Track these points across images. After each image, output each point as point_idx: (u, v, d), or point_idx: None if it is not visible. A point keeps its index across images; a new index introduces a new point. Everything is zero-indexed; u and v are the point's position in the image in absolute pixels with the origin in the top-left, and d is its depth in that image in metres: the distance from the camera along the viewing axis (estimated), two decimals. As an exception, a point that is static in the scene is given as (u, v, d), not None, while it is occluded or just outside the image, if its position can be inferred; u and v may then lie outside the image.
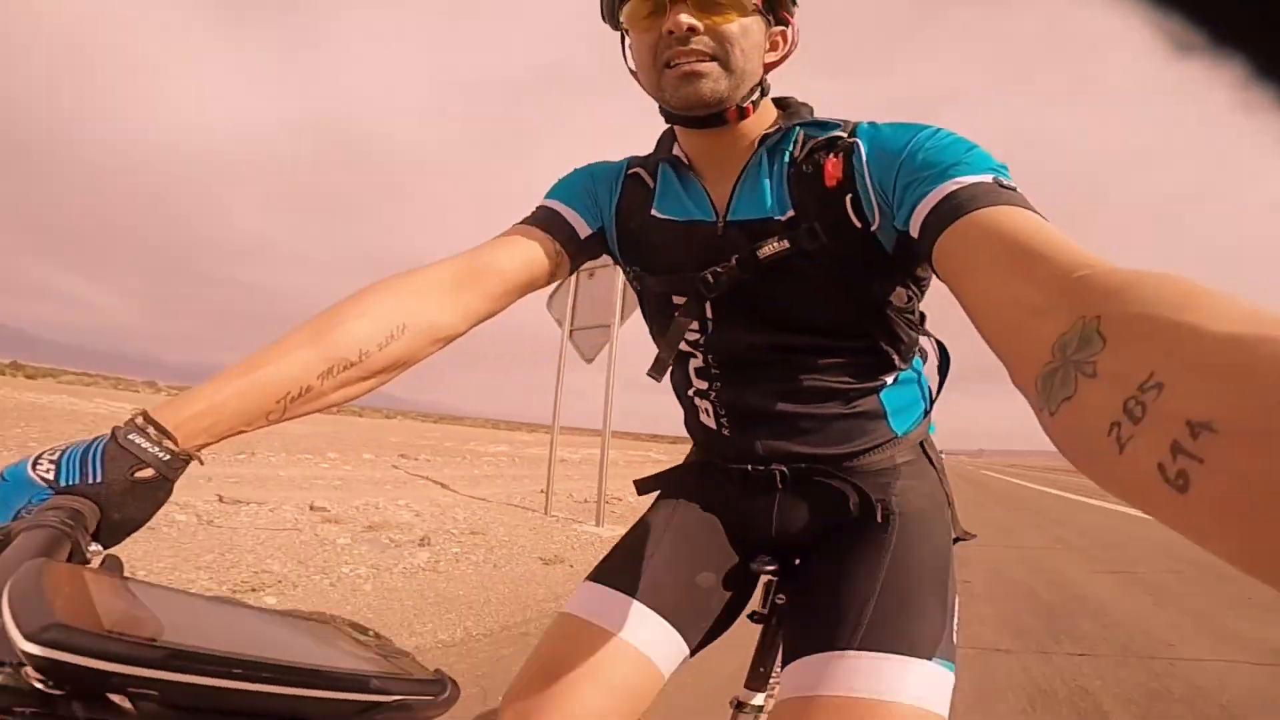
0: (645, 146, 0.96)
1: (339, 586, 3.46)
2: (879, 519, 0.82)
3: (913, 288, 0.82)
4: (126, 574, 0.46)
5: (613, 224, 0.92)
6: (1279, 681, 2.63)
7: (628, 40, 0.83)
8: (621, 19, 0.81)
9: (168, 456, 0.54)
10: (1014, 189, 0.60)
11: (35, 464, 0.52)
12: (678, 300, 0.86)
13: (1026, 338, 0.41)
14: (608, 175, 0.93)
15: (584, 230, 0.90)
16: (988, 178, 0.61)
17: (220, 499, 5.11)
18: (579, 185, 0.93)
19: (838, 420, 0.84)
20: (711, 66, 0.75)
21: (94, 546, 0.49)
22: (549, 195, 0.93)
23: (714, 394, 0.89)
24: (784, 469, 0.86)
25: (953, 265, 0.59)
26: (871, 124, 0.78)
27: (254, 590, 3.16)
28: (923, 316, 0.87)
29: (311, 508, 5.33)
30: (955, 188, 0.62)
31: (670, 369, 0.93)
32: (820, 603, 0.80)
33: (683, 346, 0.89)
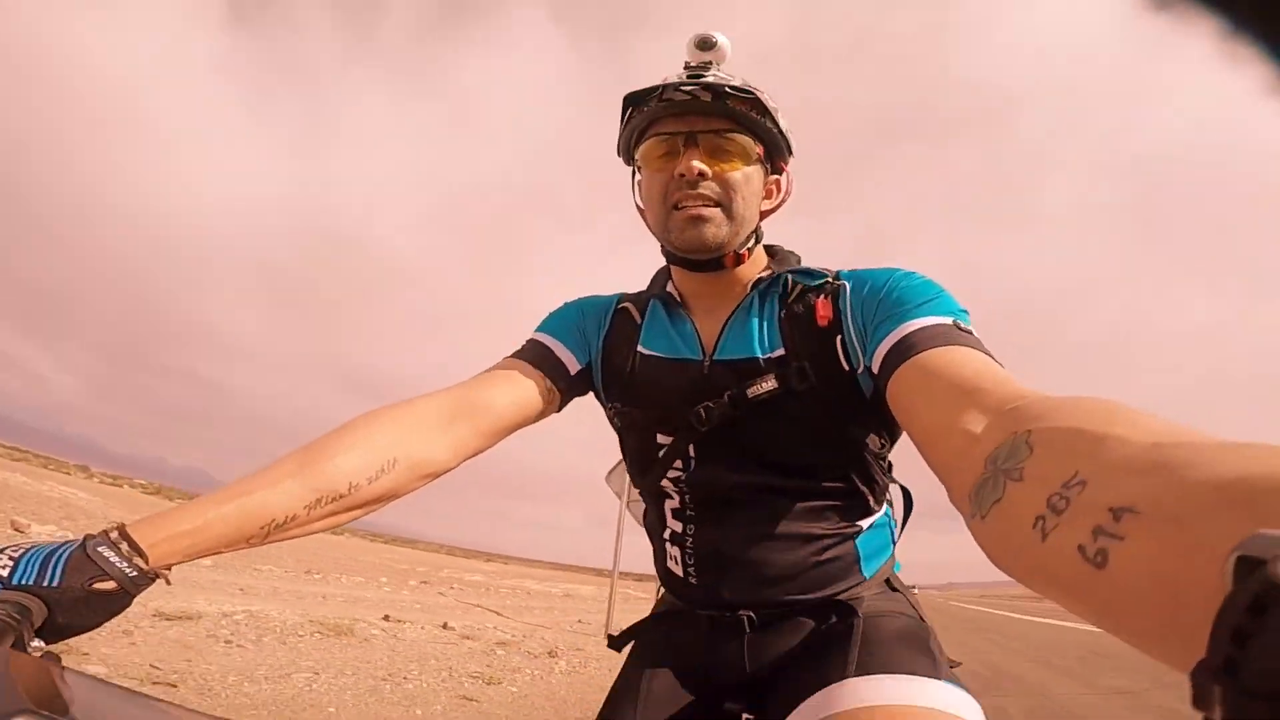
0: (620, 278, 0.83)
1: (539, 681, 4.85)
2: (844, 625, 0.80)
3: (884, 434, 0.84)
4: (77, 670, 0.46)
5: (599, 358, 0.93)
6: (1110, 703, 4.82)
7: (638, 177, 0.88)
8: (636, 156, 0.86)
9: (134, 574, 0.54)
10: (969, 332, 0.65)
11: None
12: (662, 439, 0.86)
13: (964, 460, 0.46)
14: (597, 310, 0.95)
15: (574, 366, 0.91)
16: (947, 320, 0.66)
17: (387, 618, 6.44)
18: (569, 320, 0.95)
19: (811, 568, 0.82)
20: (715, 212, 0.79)
21: (36, 642, 0.49)
22: (540, 328, 0.95)
23: (688, 539, 0.86)
24: (752, 614, 0.83)
25: (903, 401, 0.64)
26: (854, 272, 0.82)
27: (494, 682, 4.77)
28: (890, 465, 0.88)
29: (444, 627, 6.72)
30: (915, 328, 0.67)
31: (645, 508, 0.95)
32: (801, 695, 0.74)
33: (664, 484, 0.88)
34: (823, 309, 0.79)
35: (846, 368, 0.77)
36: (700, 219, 0.79)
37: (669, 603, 0.96)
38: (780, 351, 0.80)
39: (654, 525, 0.94)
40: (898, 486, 0.93)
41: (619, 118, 0.87)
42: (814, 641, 0.82)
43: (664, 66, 0.87)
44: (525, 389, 0.85)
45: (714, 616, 0.86)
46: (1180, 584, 0.24)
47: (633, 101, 0.84)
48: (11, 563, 0.51)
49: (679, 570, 0.88)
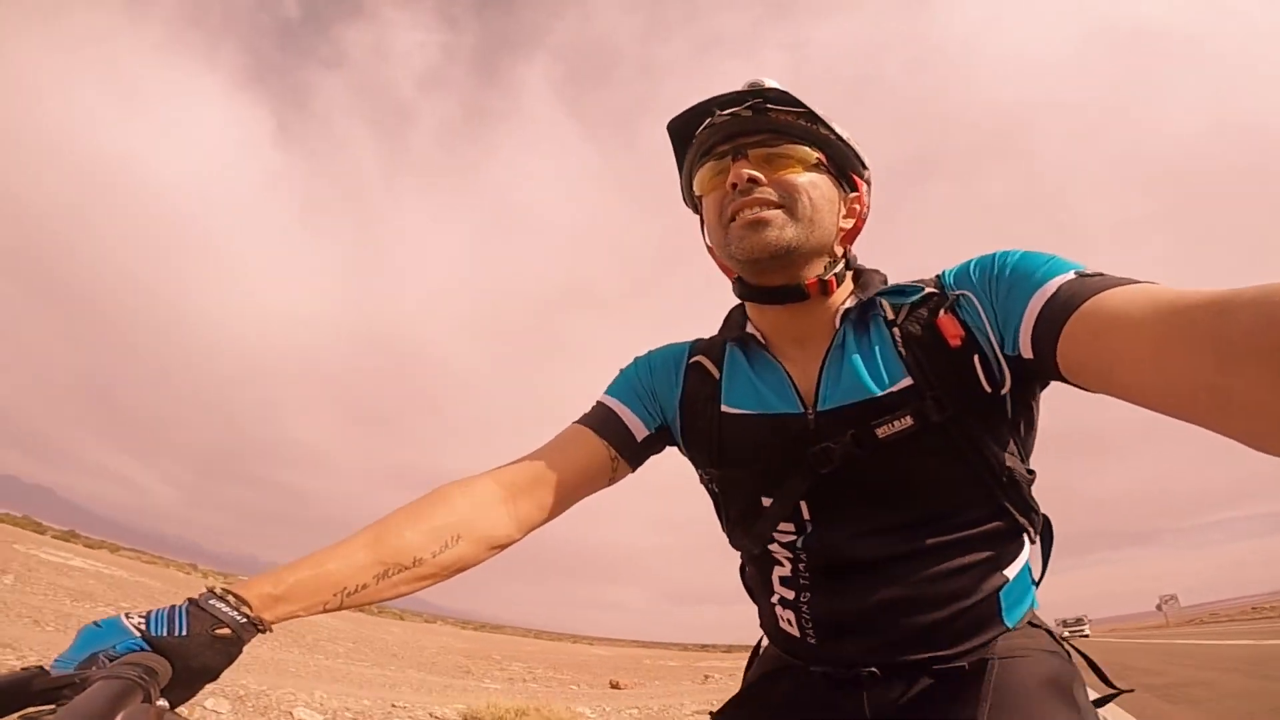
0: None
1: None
2: (978, 675, 0.70)
3: (1023, 451, 0.76)
4: None
5: (678, 421, 0.87)
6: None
7: (702, 214, 0.83)
8: (696, 190, 0.82)
9: (244, 620, 0.59)
10: (1099, 274, 0.59)
11: (127, 616, 0.57)
12: (768, 501, 0.78)
13: (1245, 412, 0.42)
14: (666, 365, 0.90)
15: (641, 432, 0.87)
16: (1069, 275, 0.61)
17: (604, 710, 7.49)
18: (637, 380, 0.90)
19: (948, 627, 0.72)
20: (776, 213, 0.73)
21: (162, 702, 0.53)
22: (609, 390, 0.91)
23: (803, 605, 0.78)
24: (875, 670, 0.74)
25: (1087, 369, 0.57)
26: (956, 271, 0.74)
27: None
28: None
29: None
30: (1046, 297, 0.61)
31: (745, 567, 0.89)
32: None
33: (772, 549, 0.80)
34: (950, 327, 0.69)
35: (988, 389, 0.68)
36: (759, 221, 0.73)
37: (775, 658, 0.86)
38: (906, 382, 0.71)
39: (759, 588, 0.86)
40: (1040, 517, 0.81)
41: (672, 156, 0.84)
42: (944, 693, 0.71)
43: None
44: (589, 458, 0.84)
45: (831, 674, 0.77)
46: None
47: (675, 131, 0.81)
48: (143, 620, 0.56)
49: (794, 631, 0.80)
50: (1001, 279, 0.68)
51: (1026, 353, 0.64)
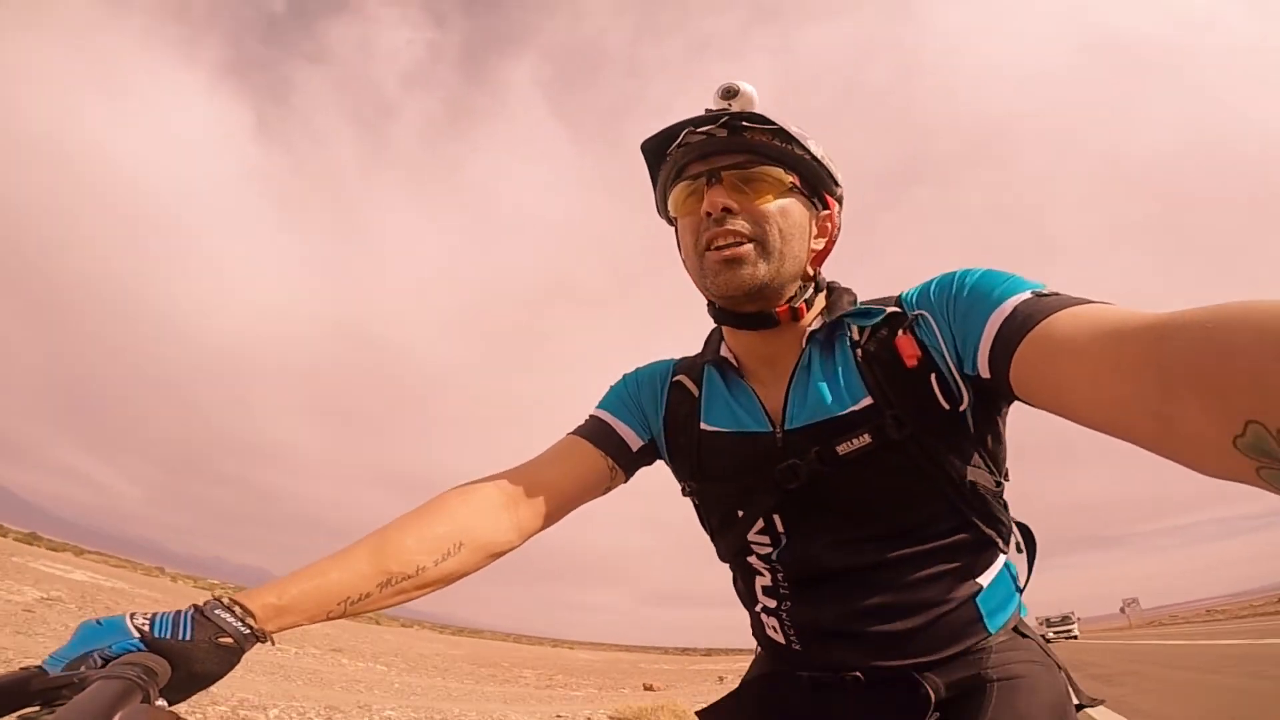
0: (649, 352, 0.93)
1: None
2: (975, 694, 0.72)
3: (996, 469, 0.77)
4: None
5: (662, 436, 0.91)
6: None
7: (678, 232, 0.84)
8: (670, 209, 0.83)
9: (247, 630, 0.60)
10: (1055, 294, 0.60)
11: (131, 617, 0.57)
12: (741, 515, 0.81)
13: (1188, 439, 0.43)
14: (651, 383, 0.93)
15: (635, 443, 0.90)
16: (1026, 295, 0.61)
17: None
18: (626, 396, 0.93)
19: (927, 632, 0.74)
20: (748, 250, 0.74)
21: (160, 702, 0.53)
22: (600, 405, 0.94)
23: (784, 614, 0.81)
24: (860, 675, 0.76)
25: (1038, 391, 0.58)
26: (917, 291, 0.75)
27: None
28: (1006, 504, 0.80)
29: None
30: (1002, 317, 0.61)
31: (734, 577, 0.90)
32: None
33: (751, 560, 0.83)
34: (907, 348, 0.72)
35: (946, 407, 0.70)
36: (735, 259, 0.74)
37: (764, 663, 0.90)
38: (867, 401, 0.73)
39: (745, 596, 0.88)
40: (1019, 527, 0.85)
41: (647, 176, 0.84)
42: (929, 700, 0.72)
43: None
44: (586, 467, 0.86)
45: (818, 678, 0.79)
46: None
47: (650, 150, 0.81)
48: (147, 622, 0.57)
49: (779, 638, 0.83)
50: (960, 298, 0.69)
51: (984, 373, 0.65)
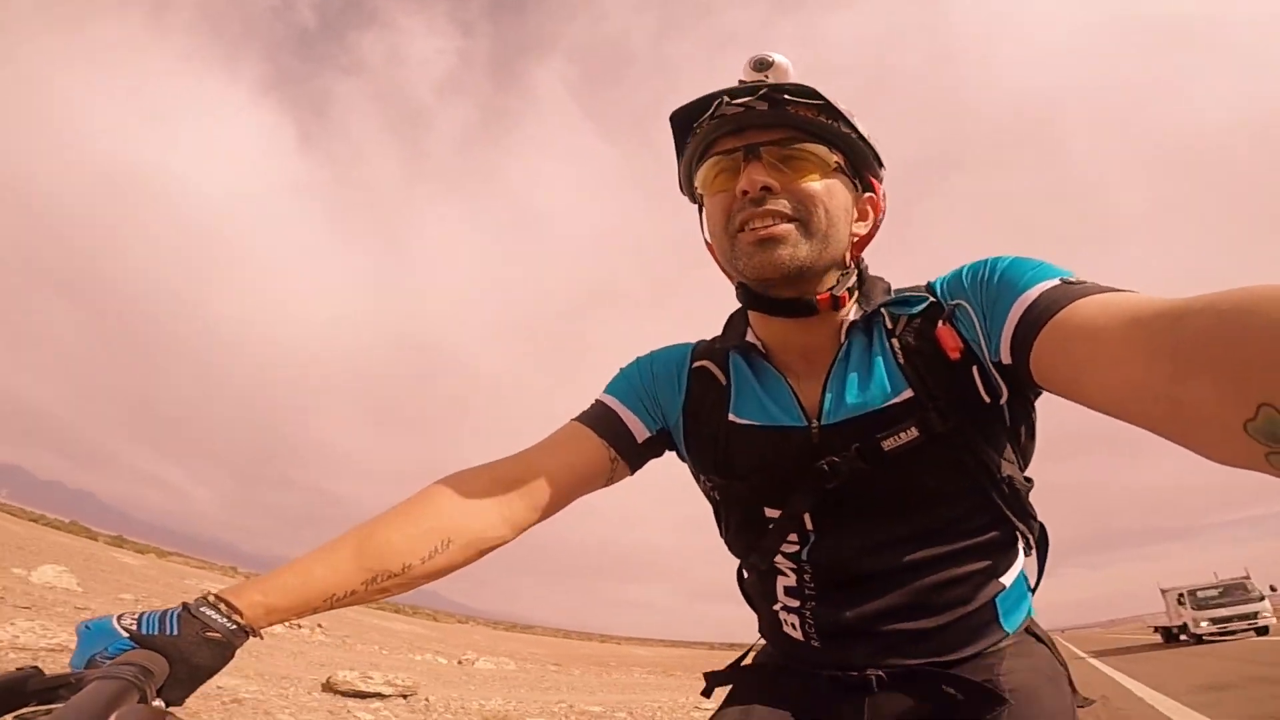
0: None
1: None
2: (988, 707, 0.70)
3: (1022, 460, 0.76)
4: None
5: (680, 426, 0.85)
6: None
7: (704, 210, 0.78)
8: (697, 185, 0.77)
9: (234, 627, 0.60)
10: (1081, 283, 0.58)
11: (119, 619, 0.57)
12: (770, 513, 0.77)
13: (1199, 422, 0.42)
14: (669, 369, 0.87)
15: (641, 434, 0.84)
16: (1054, 281, 0.60)
17: None
18: (638, 381, 0.87)
19: (948, 630, 0.74)
20: (789, 229, 0.69)
21: (158, 702, 0.53)
22: (608, 389, 0.88)
23: (807, 613, 0.78)
24: (879, 674, 0.74)
25: (1056, 376, 0.58)
26: (948, 279, 0.73)
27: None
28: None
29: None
30: (1026, 304, 0.60)
31: (744, 574, 0.88)
32: None
33: (777, 562, 0.79)
34: (948, 339, 0.69)
35: (988, 399, 0.68)
36: (772, 239, 0.68)
37: (771, 655, 0.88)
38: (908, 394, 0.70)
39: (761, 596, 0.85)
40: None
41: (673, 146, 0.78)
42: (945, 707, 0.72)
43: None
44: (585, 458, 0.81)
45: (835, 677, 0.77)
46: None
47: (680, 122, 0.75)
48: (134, 621, 0.57)
49: (798, 635, 0.80)
50: (990, 285, 0.67)
51: (1006, 359, 0.64)
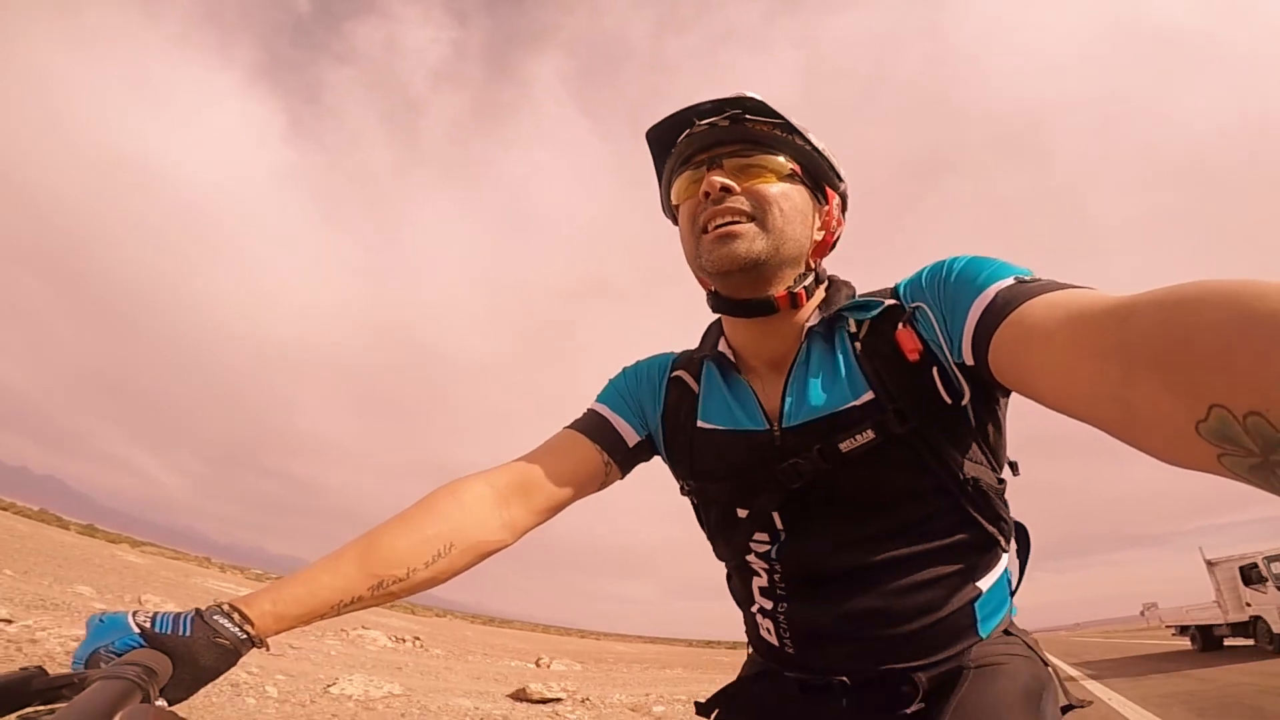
0: (678, 346, 0.93)
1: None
2: (951, 681, 0.72)
3: (997, 464, 0.77)
4: None
5: (660, 432, 0.89)
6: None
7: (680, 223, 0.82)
8: (673, 199, 0.82)
9: (244, 637, 0.62)
10: (1035, 280, 0.59)
11: (134, 615, 0.59)
12: (742, 513, 0.80)
13: (1150, 424, 0.41)
14: (651, 378, 0.92)
15: (632, 438, 0.89)
16: (1009, 281, 0.60)
17: None
18: (625, 390, 0.92)
19: (923, 634, 0.74)
20: (747, 226, 0.73)
21: (160, 702, 0.54)
22: (599, 398, 0.93)
23: (780, 615, 0.80)
24: (846, 679, 0.76)
25: (1012, 378, 0.58)
26: (910, 281, 0.74)
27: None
28: (1007, 503, 0.79)
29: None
30: (984, 305, 0.61)
31: (730, 576, 0.90)
32: None
33: (749, 559, 0.81)
34: (908, 341, 0.70)
35: (948, 401, 0.69)
36: (731, 235, 0.73)
37: (757, 663, 0.89)
38: (868, 396, 0.72)
39: (740, 596, 0.88)
40: (1015, 526, 0.83)
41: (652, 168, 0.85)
42: (916, 701, 0.73)
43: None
44: (581, 463, 0.85)
45: (805, 680, 0.79)
46: None
47: (655, 139, 0.82)
48: (148, 620, 0.59)
49: (773, 640, 0.82)
50: (947, 286, 0.68)
51: (969, 359, 0.64)
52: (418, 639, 14.00)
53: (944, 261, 0.71)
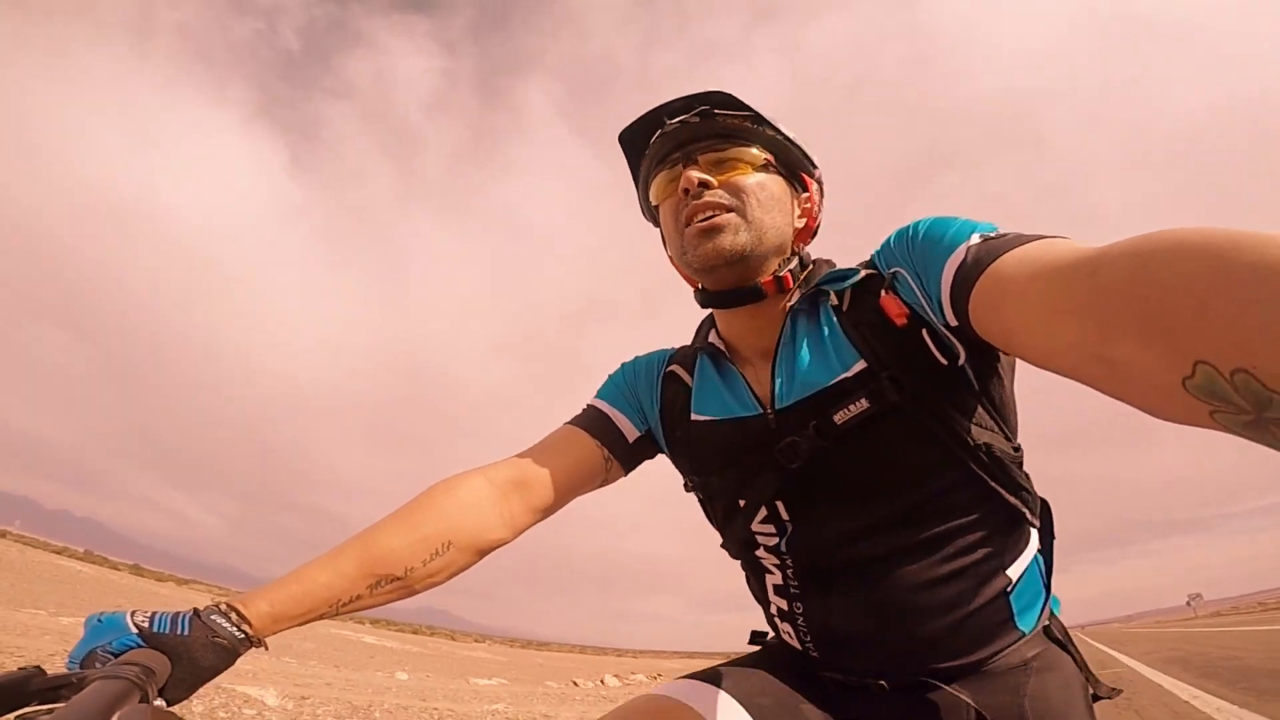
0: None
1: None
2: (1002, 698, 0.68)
3: (1004, 426, 0.71)
4: None
5: (659, 428, 0.88)
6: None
7: (661, 225, 0.83)
8: (652, 199, 0.82)
9: (241, 636, 0.61)
10: (1002, 236, 0.57)
11: (132, 614, 0.58)
12: (743, 503, 0.78)
13: (1136, 382, 0.40)
14: (647, 373, 0.91)
15: (632, 434, 0.88)
16: (975, 239, 0.59)
17: None
18: (623, 386, 0.91)
19: (955, 632, 0.69)
20: (730, 217, 0.73)
21: (159, 701, 0.53)
22: (599, 394, 0.92)
23: (798, 614, 0.76)
24: (884, 684, 0.71)
25: (996, 336, 0.56)
26: (881, 249, 0.73)
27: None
28: (1027, 474, 0.73)
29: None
30: (955, 266, 0.59)
31: (747, 577, 0.87)
32: None
33: (759, 555, 0.80)
34: (892, 307, 0.68)
35: (944, 363, 0.66)
36: (714, 228, 0.73)
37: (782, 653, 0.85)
38: (860, 366, 0.69)
39: (759, 596, 0.84)
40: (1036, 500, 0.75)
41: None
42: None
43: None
44: (580, 459, 0.84)
45: (840, 681, 0.76)
46: None
47: (628, 141, 0.82)
48: (146, 619, 0.58)
49: (795, 643, 0.79)
50: (916, 248, 0.67)
51: (953, 321, 0.62)
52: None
53: (909, 225, 0.70)
